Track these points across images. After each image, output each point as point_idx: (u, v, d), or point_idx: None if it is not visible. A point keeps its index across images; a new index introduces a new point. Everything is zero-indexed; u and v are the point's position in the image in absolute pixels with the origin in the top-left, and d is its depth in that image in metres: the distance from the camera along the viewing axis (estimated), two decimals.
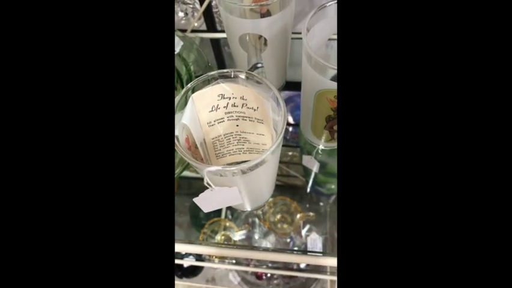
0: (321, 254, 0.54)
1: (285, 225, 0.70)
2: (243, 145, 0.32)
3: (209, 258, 0.70)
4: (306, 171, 0.69)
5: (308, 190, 0.62)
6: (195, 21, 0.48)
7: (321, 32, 0.30)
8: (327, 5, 0.28)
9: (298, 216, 0.66)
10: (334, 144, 0.39)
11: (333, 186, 0.62)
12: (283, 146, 0.77)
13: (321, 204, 0.75)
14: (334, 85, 0.27)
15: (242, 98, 0.27)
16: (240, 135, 0.31)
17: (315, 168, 0.54)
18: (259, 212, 0.68)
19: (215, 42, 0.55)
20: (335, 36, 0.33)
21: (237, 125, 0.30)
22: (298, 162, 0.67)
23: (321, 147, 0.40)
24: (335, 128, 0.33)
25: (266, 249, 0.51)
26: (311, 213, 0.64)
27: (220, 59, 0.58)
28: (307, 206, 0.73)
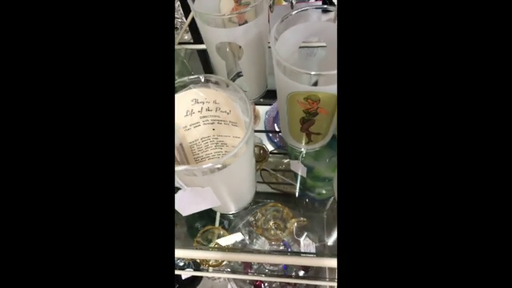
0: (313, 255, 0.54)
1: (278, 231, 0.70)
2: (221, 148, 0.33)
3: (207, 269, 0.70)
4: (297, 178, 0.70)
5: (297, 195, 0.63)
6: (181, 34, 0.50)
7: (291, 38, 0.32)
8: (292, 13, 0.29)
9: (290, 221, 0.66)
10: (313, 147, 0.40)
11: (323, 191, 0.63)
12: (278, 154, 0.78)
13: (315, 209, 0.75)
14: (303, 87, 0.28)
15: (215, 102, 0.28)
16: (216, 138, 0.32)
17: (300, 171, 0.54)
18: (252, 218, 0.68)
19: (202, 53, 0.57)
20: (307, 44, 0.34)
21: (213, 129, 0.31)
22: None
23: (302, 150, 0.41)
24: (311, 129, 0.34)
25: (263, 252, 0.51)
26: (302, 219, 0.64)
27: (208, 69, 0.60)
28: (301, 211, 0.74)
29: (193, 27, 0.53)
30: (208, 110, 0.29)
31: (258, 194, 0.76)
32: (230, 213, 0.40)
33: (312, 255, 0.48)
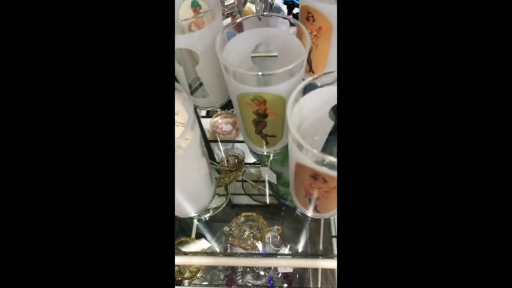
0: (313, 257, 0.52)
1: (255, 241, 0.69)
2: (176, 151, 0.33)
3: (180, 282, 0.69)
4: (272, 187, 0.70)
5: (268, 201, 0.63)
6: None
7: (241, 45, 0.33)
8: (238, 21, 0.31)
9: (266, 230, 0.66)
10: (273, 149, 0.40)
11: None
12: (260, 165, 0.78)
13: (295, 219, 0.75)
14: (249, 89, 0.29)
15: None
16: None
17: (270, 178, 0.55)
18: (227, 228, 0.68)
19: None
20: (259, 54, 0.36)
21: None
22: None
23: (264, 153, 0.42)
24: (265, 132, 0.35)
25: (257, 255, 0.50)
26: (277, 227, 0.64)
27: None
28: (279, 221, 0.74)
29: None
30: None
31: (240, 206, 0.76)
32: (191, 215, 0.40)
33: (311, 256, 0.47)
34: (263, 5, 0.58)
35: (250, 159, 0.73)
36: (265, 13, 0.67)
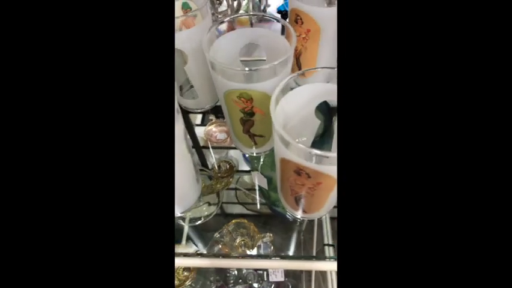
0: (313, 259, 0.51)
1: (246, 249, 0.68)
2: None
3: None
4: (264, 194, 0.70)
5: (258, 206, 0.62)
6: None
7: (229, 44, 0.33)
8: (225, 20, 0.31)
9: (257, 237, 0.65)
10: (261, 150, 0.40)
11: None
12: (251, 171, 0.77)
13: (285, 226, 0.74)
14: (235, 85, 0.29)
15: None
16: None
17: (260, 182, 0.54)
18: (217, 235, 0.67)
19: None
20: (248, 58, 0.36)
21: None
22: None
23: (254, 154, 0.41)
24: (252, 131, 0.35)
25: (255, 257, 0.49)
26: (268, 234, 0.63)
27: None
28: (271, 229, 0.73)
29: None
30: None
31: (233, 215, 0.75)
32: (177, 215, 0.40)
33: (305, 258, 0.46)
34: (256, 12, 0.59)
35: (244, 167, 0.72)
36: (254, 13, 0.68)
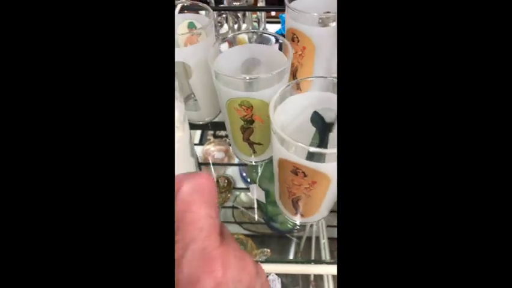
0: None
1: None
2: None
3: None
4: (261, 208, 0.70)
5: (256, 218, 0.63)
6: None
7: (232, 57, 0.36)
8: (229, 36, 0.34)
9: (254, 253, 0.65)
10: (260, 159, 0.42)
11: (285, 220, 0.63)
12: (248, 190, 0.78)
13: (282, 242, 0.74)
14: (237, 94, 0.31)
15: None
16: None
17: (258, 196, 0.55)
18: None
19: None
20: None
21: None
22: None
23: (253, 163, 0.43)
24: (252, 139, 0.37)
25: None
26: (266, 249, 0.64)
27: None
28: (269, 245, 0.73)
29: None
30: None
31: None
32: None
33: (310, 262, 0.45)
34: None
35: (242, 185, 0.73)
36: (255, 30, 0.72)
